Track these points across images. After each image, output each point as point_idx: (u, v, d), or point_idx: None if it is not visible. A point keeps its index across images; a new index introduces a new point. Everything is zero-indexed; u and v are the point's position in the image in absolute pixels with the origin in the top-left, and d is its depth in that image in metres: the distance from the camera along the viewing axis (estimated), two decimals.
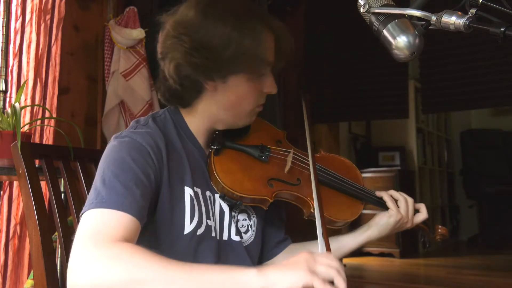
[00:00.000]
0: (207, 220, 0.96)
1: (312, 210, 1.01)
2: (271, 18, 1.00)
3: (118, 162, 0.85)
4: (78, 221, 0.80)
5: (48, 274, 1.10)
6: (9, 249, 1.87)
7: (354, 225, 1.18)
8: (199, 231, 0.94)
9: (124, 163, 0.85)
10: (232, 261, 1.00)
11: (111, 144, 0.91)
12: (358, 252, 4.58)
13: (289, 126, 3.25)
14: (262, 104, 1.03)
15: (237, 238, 1.02)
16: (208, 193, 1.00)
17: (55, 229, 1.18)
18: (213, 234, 0.97)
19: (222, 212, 1.01)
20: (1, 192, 1.83)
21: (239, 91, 0.97)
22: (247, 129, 1.08)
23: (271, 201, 0.99)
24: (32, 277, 1.40)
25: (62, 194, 1.40)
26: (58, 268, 1.37)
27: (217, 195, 1.01)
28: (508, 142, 5.46)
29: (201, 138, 1.04)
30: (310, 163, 1.04)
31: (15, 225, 1.88)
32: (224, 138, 1.02)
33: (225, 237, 1.01)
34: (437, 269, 4.04)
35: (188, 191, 0.94)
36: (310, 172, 1.05)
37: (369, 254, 4.56)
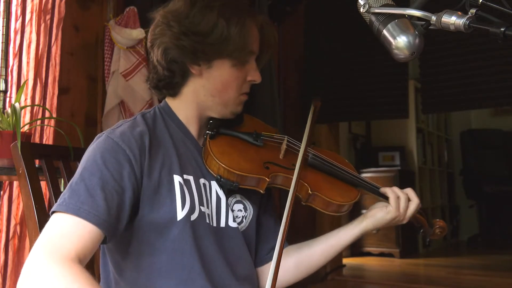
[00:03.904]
0: (201, 207, 0.98)
1: (309, 191, 1.03)
2: (255, 11, 1.07)
3: (89, 164, 0.89)
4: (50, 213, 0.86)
5: None
6: (9, 249, 1.87)
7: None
8: (193, 217, 0.95)
9: (94, 165, 0.88)
10: (230, 247, 1.02)
11: (92, 144, 0.95)
12: (358, 252, 4.59)
13: (289, 126, 3.25)
14: (247, 93, 1.06)
15: (234, 225, 1.03)
16: (202, 181, 1.01)
17: None
18: (207, 221, 0.98)
19: (218, 199, 1.02)
20: (1, 192, 1.83)
21: (223, 76, 1.01)
22: (240, 120, 1.11)
23: (268, 180, 1.00)
24: None
25: None
26: None
27: (213, 182, 1.02)
28: (508, 142, 5.46)
29: (192, 128, 1.06)
30: (301, 149, 1.05)
31: (15, 225, 1.88)
32: (219, 126, 1.05)
33: (223, 224, 1.02)
34: (437, 269, 4.04)
35: (177, 179, 0.95)
36: (305, 159, 1.07)
37: (369, 254, 4.56)
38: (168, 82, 1.03)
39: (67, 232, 0.81)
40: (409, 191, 1.10)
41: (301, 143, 1.10)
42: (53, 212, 0.85)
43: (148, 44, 1.04)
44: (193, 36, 0.97)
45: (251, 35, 1.01)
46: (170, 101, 1.07)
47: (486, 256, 4.60)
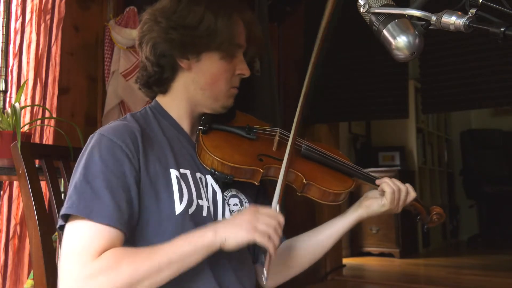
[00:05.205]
0: (198, 200, 0.98)
1: (304, 181, 1.03)
2: (242, 6, 1.07)
3: (89, 165, 0.89)
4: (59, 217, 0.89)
5: (48, 274, 1.10)
6: (9, 249, 1.87)
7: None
8: (190, 210, 0.95)
9: (94, 167, 0.88)
10: None
11: (87, 145, 0.94)
12: (358, 252, 4.58)
13: (289, 126, 3.24)
14: (237, 87, 1.08)
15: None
16: (198, 175, 1.01)
17: (55, 229, 1.18)
18: (204, 214, 0.98)
19: (214, 193, 1.03)
20: (1, 192, 1.83)
21: (212, 69, 1.02)
22: (232, 116, 1.12)
23: (262, 171, 1.00)
24: (32, 277, 1.40)
25: (62, 194, 1.40)
26: (58, 268, 1.36)
27: (208, 177, 1.03)
28: (508, 142, 5.46)
29: (185, 124, 1.07)
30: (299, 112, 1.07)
31: (15, 225, 1.88)
32: (211, 121, 1.05)
33: (220, 217, 1.02)
34: (437, 269, 4.04)
35: (173, 173, 0.96)
36: (298, 150, 1.07)
37: (369, 254, 4.56)
38: (158, 78, 1.04)
39: (89, 238, 0.83)
40: (408, 185, 1.12)
41: (298, 138, 1.10)
42: (64, 215, 0.86)
43: (137, 43, 1.06)
44: (181, 30, 0.99)
45: (238, 29, 1.03)
46: (161, 99, 1.08)
47: (486, 256, 4.60)
